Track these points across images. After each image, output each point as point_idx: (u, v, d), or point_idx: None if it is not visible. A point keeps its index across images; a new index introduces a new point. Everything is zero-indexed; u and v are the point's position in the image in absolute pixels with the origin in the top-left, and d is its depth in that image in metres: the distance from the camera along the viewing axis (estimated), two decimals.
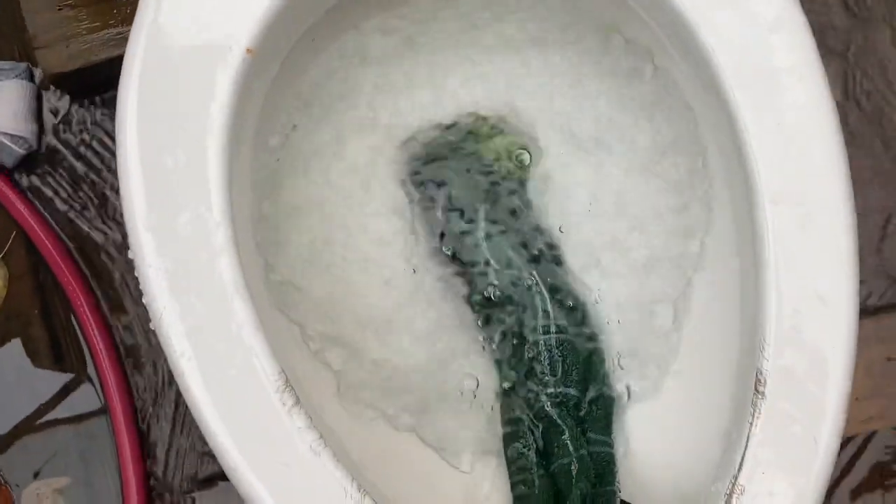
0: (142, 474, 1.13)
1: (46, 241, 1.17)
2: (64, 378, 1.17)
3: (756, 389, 0.67)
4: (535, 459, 0.81)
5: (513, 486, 0.81)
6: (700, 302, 0.83)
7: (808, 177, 0.68)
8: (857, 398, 1.10)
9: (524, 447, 0.82)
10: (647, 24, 0.77)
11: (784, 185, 0.68)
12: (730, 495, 0.66)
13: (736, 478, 0.66)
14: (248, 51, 0.68)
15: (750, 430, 0.67)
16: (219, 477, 1.13)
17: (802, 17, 0.69)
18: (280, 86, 0.77)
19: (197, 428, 1.07)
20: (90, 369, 1.16)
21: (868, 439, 1.10)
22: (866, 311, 1.13)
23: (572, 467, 0.78)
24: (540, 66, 0.88)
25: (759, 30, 0.69)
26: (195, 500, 1.11)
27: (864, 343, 1.08)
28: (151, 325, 0.69)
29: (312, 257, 0.83)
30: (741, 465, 0.66)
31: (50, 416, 1.16)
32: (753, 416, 0.67)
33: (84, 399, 1.17)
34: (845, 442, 1.10)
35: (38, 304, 1.18)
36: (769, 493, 0.66)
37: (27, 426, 1.16)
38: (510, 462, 0.82)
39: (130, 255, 0.69)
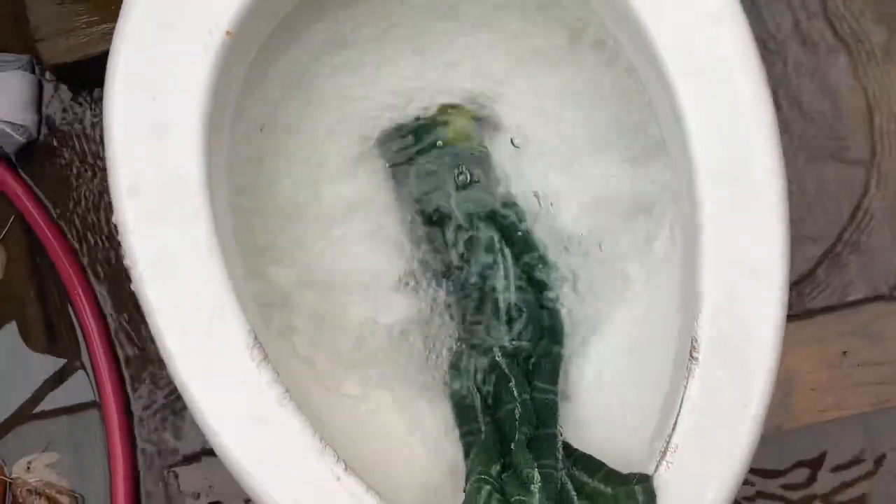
0: (130, 454, 1.18)
1: (43, 226, 1.22)
2: (57, 360, 1.21)
3: (691, 355, 0.72)
4: (480, 406, 0.86)
5: (460, 432, 0.86)
6: (647, 273, 0.88)
7: (745, 159, 0.73)
8: (814, 389, 1.15)
9: (471, 395, 0.87)
10: (598, 14, 0.82)
11: (721, 166, 0.73)
12: (664, 453, 0.71)
13: (670, 437, 0.71)
14: (228, 33, 0.74)
15: (684, 393, 0.71)
16: (201, 454, 1.17)
17: (742, 11, 0.74)
18: (259, 69, 0.82)
19: (182, 404, 1.13)
20: (83, 351, 1.21)
21: None
22: (825, 308, 1.18)
23: (516, 412, 0.82)
24: (507, 50, 0.93)
25: (701, 23, 0.74)
26: (177, 475, 1.15)
27: (821, 337, 1.14)
28: (132, 287, 0.74)
29: (287, 223, 0.89)
30: (675, 425, 0.71)
31: (43, 399, 1.21)
32: (688, 380, 0.71)
33: (76, 379, 1.21)
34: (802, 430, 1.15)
35: (34, 286, 1.23)
36: (700, 453, 0.70)
37: (22, 413, 1.21)
38: (457, 409, 0.87)
39: (114, 220, 0.74)
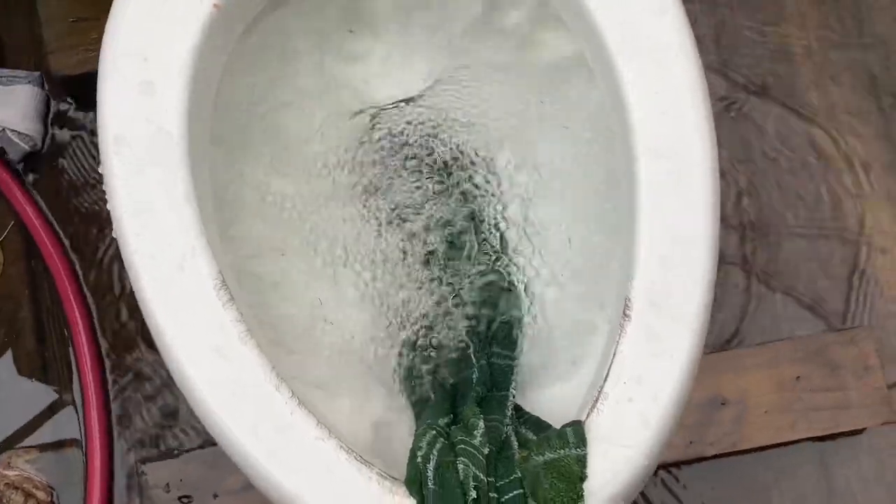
0: (107, 444, 1.22)
1: (41, 232, 1.29)
2: (43, 357, 1.27)
3: (624, 313, 0.77)
4: (419, 372, 0.91)
5: (411, 401, 0.90)
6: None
7: (681, 138, 0.80)
8: (767, 412, 1.19)
9: (418, 366, 0.92)
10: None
11: (659, 143, 0.79)
12: (596, 401, 0.76)
13: (602, 387, 0.76)
14: (215, 5, 0.81)
15: (616, 347, 0.76)
16: (174, 449, 1.22)
17: (681, 4, 0.82)
18: (245, 45, 0.89)
19: (155, 406, 1.18)
20: (69, 349, 1.26)
21: None
22: (781, 336, 1.23)
23: (473, 375, 0.87)
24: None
25: (643, 13, 0.82)
26: (145, 472, 1.19)
27: (776, 363, 1.19)
28: (114, 234, 0.80)
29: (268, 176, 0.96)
30: (607, 376, 0.76)
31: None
32: (620, 335, 0.77)
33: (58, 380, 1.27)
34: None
35: (28, 287, 1.29)
36: (628, 399, 0.75)
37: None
38: (406, 377, 0.92)
39: (100, 169, 0.81)
